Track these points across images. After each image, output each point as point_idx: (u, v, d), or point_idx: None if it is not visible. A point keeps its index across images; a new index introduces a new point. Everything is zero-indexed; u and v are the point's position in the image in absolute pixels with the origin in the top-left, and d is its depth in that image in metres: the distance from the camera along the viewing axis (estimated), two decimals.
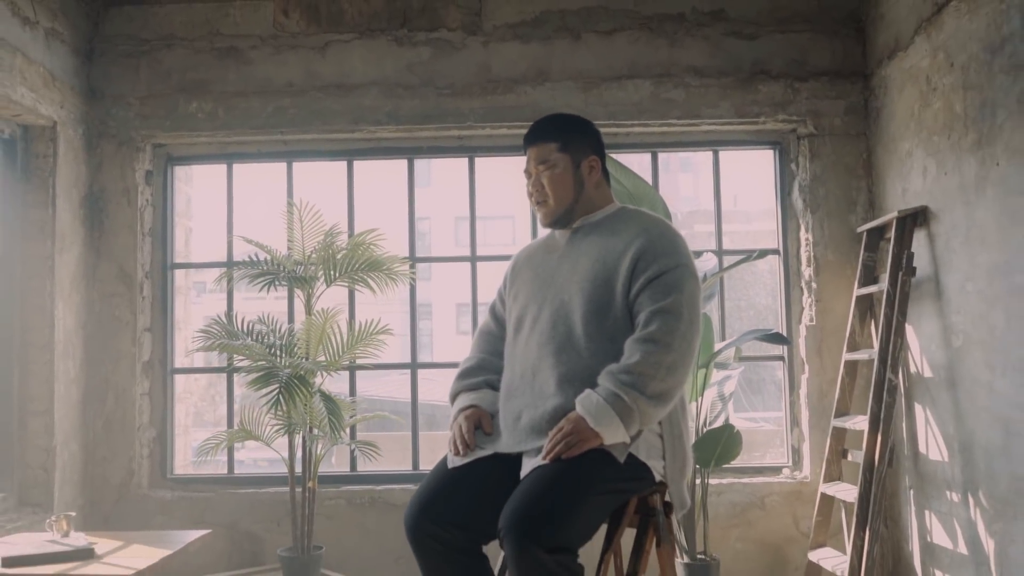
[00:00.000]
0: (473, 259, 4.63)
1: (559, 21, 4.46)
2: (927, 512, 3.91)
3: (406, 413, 4.60)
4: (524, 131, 4.42)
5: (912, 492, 4.04)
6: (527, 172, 2.45)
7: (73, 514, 3.37)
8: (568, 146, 2.39)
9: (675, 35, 4.45)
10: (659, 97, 4.42)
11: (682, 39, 4.45)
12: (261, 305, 4.76)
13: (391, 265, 3.93)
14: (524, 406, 2.26)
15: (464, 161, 4.65)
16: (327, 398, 3.55)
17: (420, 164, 4.72)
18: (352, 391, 4.39)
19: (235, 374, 4.40)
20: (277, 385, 3.41)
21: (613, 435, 2.11)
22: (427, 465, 4.63)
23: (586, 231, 2.39)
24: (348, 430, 3.92)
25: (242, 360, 3.72)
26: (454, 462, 2.28)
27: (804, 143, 4.46)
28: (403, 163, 4.67)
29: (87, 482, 4.27)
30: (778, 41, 4.44)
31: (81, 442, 4.24)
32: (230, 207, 4.61)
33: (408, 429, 4.58)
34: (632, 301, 2.22)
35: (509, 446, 2.24)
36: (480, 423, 2.33)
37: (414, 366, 4.58)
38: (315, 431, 3.72)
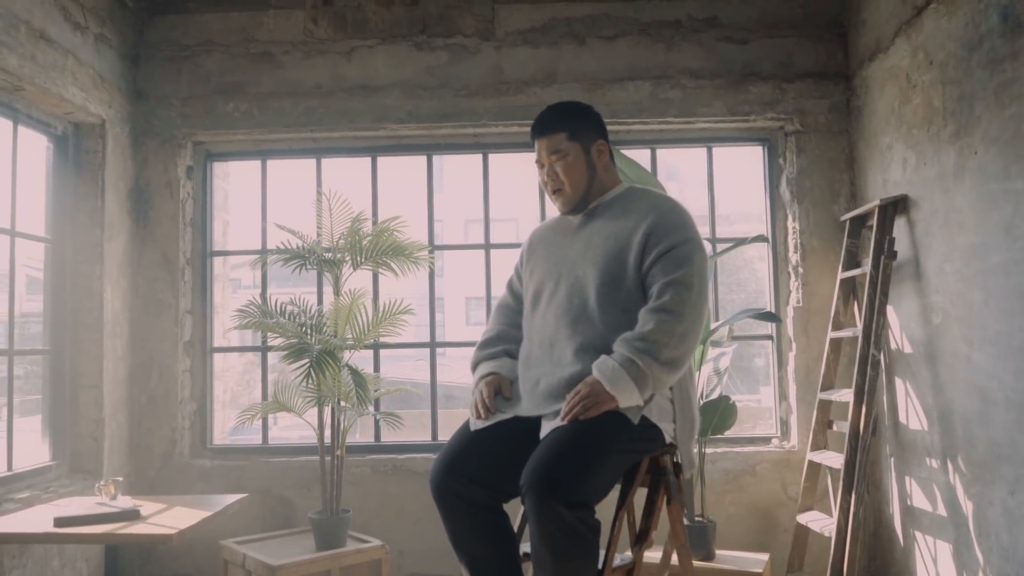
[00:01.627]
0: (487, 247, 4.54)
1: (565, 27, 4.36)
2: (907, 478, 3.82)
3: (425, 393, 4.51)
4: None
5: (893, 460, 3.94)
6: (539, 163, 2.34)
7: (120, 479, 3.29)
8: (576, 134, 2.28)
9: (672, 40, 4.35)
10: (657, 97, 4.32)
11: (679, 44, 4.35)
12: (292, 293, 4.67)
13: (413, 250, 3.83)
14: (543, 373, 2.17)
15: (476, 163, 4.55)
16: (355, 372, 3.45)
17: (434, 165, 4.62)
18: (376, 368, 4.30)
19: (269, 352, 4.32)
20: (308, 360, 3.31)
21: (628, 398, 2.01)
22: (445, 436, 4.55)
23: (598, 211, 2.30)
24: (373, 403, 3.82)
25: (276, 339, 3.62)
26: (476, 425, 2.19)
27: (791, 139, 4.35)
28: (422, 159, 4.56)
29: (133, 451, 4.18)
30: (767, 45, 4.34)
31: (128, 414, 4.15)
32: (264, 199, 4.52)
33: (427, 406, 4.48)
34: (644, 274, 2.13)
35: (528, 410, 2.15)
36: (500, 389, 2.24)
37: (433, 345, 4.49)
38: (343, 403, 3.62)
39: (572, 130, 2.27)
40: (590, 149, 2.29)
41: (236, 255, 4.79)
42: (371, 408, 3.62)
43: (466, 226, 23.00)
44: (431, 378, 4.48)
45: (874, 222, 3.80)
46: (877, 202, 3.77)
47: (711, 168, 4.56)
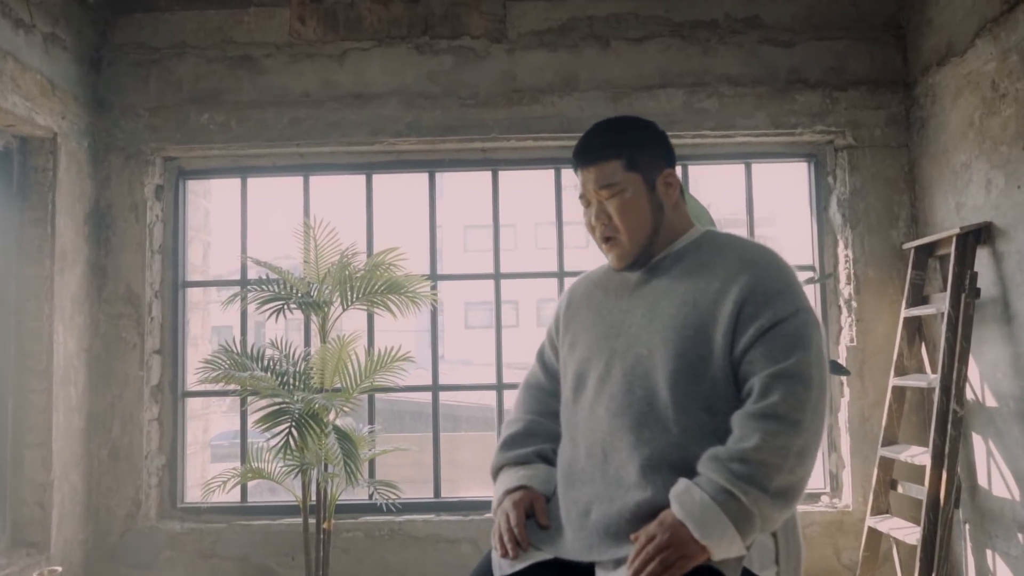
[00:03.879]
0: (497, 276, 3.87)
1: (587, 28, 3.69)
2: (989, 551, 3.15)
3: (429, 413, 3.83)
4: (551, 143, 3.75)
5: (968, 527, 3.27)
6: (584, 199, 1.65)
7: (59, 569, 2.60)
8: (637, 162, 1.58)
9: (708, 43, 3.68)
10: (692, 107, 3.65)
11: (715, 47, 3.68)
12: (280, 320, 4.00)
13: (412, 286, 3.16)
14: (594, 497, 1.49)
15: (478, 172, 3.88)
16: (343, 436, 2.79)
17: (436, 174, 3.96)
18: (371, 418, 3.62)
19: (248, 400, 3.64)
20: (287, 424, 2.64)
21: (726, 548, 1.35)
22: (449, 492, 3.88)
23: (666, 265, 1.61)
24: (367, 464, 3.15)
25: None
26: (502, 568, 1.51)
27: (843, 155, 3.69)
28: (423, 177, 3.90)
29: (91, 515, 3.51)
30: (815, 49, 3.68)
31: (83, 473, 3.48)
32: (244, 223, 3.85)
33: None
34: (738, 359, 1.45)
35: (577, 551, 1.47)
36: (533, 511, 1.56)
37: (435, 388, 3.81)
38: (330, 468, 2.95)
39: (631, 156, 1.58)
40: (655, 182, 1.61)
41: (212, 286, 4.11)
42: (363, 475, 2.94)
43: (465, 232, 22.26)
44: (433, 428, 3.80)
45: (951, 252, 3.14)
46: (956, 230, 3.11)
47: (750, 188, 3.89)
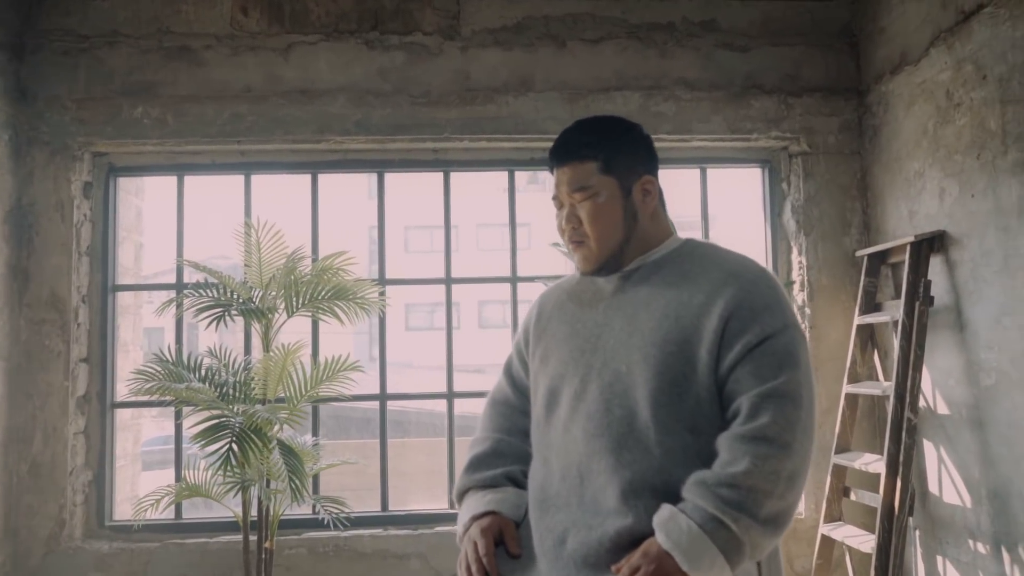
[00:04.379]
0: (448, 281, 3.75)
1: (543, 27, 3.60)
2: (940, 558, 3.17)
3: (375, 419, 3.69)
4: (505, 144, 3.64)
5: (918, 534, 3.28)
6: (556, 200, 1.54)
7: None
8: (613, 165, 1.49)
9: (665, 45, 3.63)
10: (649, 110, 3.59)
11: (672, 50, 3.63)
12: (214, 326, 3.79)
13: (360, 291, 3.02)
14: (570, 524, 1.39)
15: (428, 173, 3.75)
16: (287, 451, 2.62)
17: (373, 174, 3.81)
18: (315, 429, 3.44)
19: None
20: (227, 439, 2.46)
21: None
22: (397, 503, 3.73)
23: (643, 274, 1.51)
24: (311, 479, 2.99)
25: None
26: None
27: (797, 161, 3.68)
28: (372, 177, 3.75)
29: (8, 536, 3.25)
30: (771, 54, 3.66)
31: (1, 491, 3.21)
32: (180, 223, 3.63)
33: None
34: (724, 377, 1.37)
35: None
36: (503, 539, 1.45)
37: (383, 397, 3.66)
38: (272, 484, 2.78)
39: (608, 159, 1.48)
40: (632, 188, 1.50)
41: (145, 290, 3.87)
42: (308, 492, 2.77)
43: (405, 232, 21.94)
44: (380, 438, 3.65)
45: (905, 260, 3.14)
46: (911, 238, 3.12)
47: (705, 193, 3.85)
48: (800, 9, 3.70)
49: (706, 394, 1.36)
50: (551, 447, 1.47)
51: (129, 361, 3.77)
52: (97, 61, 3.49)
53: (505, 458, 1.57)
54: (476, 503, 1.51)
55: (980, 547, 2.92)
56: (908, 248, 3.14)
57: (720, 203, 4.06)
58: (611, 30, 3.63)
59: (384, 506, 3.63)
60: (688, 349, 1.38)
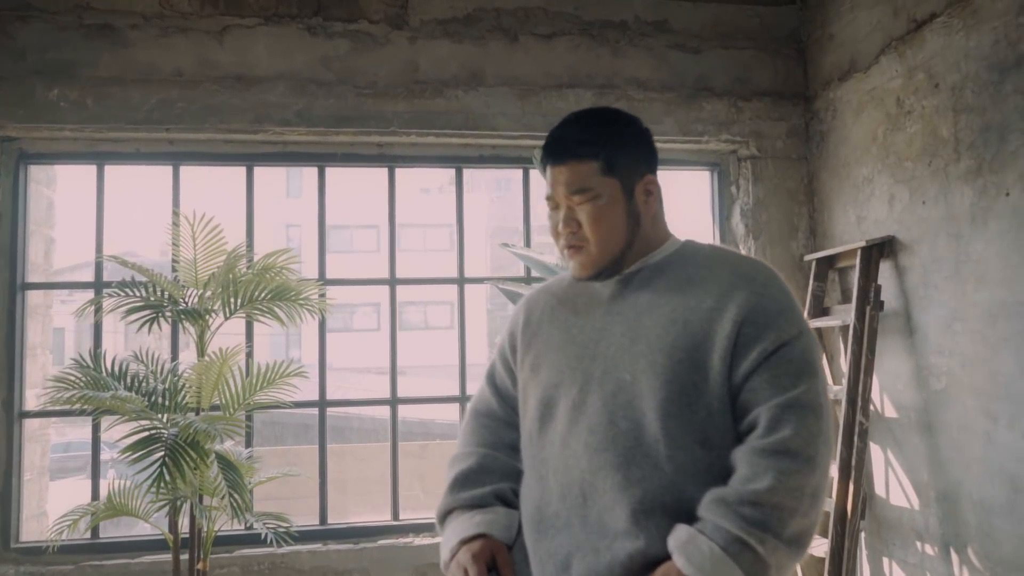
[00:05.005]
0: (392, 282, 3.58)
1: (494, 20, 3.49)
2: (885, 559, 3.20)
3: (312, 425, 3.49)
4: (454, 140, 3.49)
5: (864, 536, 3.32)
6: (550, 200, 1.41)
7: None
8: (615, 164, 1.36)
9: (617, 44, 3.57)
10: None
11: (625, 49, 3.58)
12: (130, 327, 3.51)
13: (304, 291, 2.83)
14: (574, 547, 1.27)
15: (370, 168, 3.59)
16: (227, 464, 2.42)
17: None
18: (248, 439, 3.22)
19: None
20: (160, 453, 2.25)
21: None
22: (337, 517, 3.55)
23: (643, 278, 1.40)
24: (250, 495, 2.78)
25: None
26: None
27: (746, 165, 3.68)
28: (312, 171, 3.54)
29: None
30: (722, 57, 3.65)
31: None
32: (100, 217, 3.35)
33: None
34: (739, 386, 1.27)
35: None
36: (496, 563, 1.32)
37: (323, 404, 3.47)
38: (206, 500, 2.56)
39: (609, 158, 1.36)
40: (634, 190, 1.39)
41: (59, 289, 3.56)
42: (248, 515, 2.56)
43: (328, 234, 21.38)
44: (319, 446, 3.45)
45: (856, 265, 3.17)
46: (862, 243, 3.15)
47: None
48: (750, 13, 3.70)
49: (718, 404, 1.27)
50: (547, 463, 1.36)
51: (38, 366, 3.45)
52: (7, 37, 3.18)
53: (493, 475, 1.44)
54: (464, 525, 1.37)
55: (928, 549, 2.96)
56: (859, 253, 3.16)
57: (669, 206, 3.98)
58: (564, 26, 3.54)
59: (323, 519, 3.43)
60: (698, 356, 1.28)
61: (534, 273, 3.62)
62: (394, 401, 3.55)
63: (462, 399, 3.63)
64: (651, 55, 3.60)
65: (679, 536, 1.20)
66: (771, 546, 1.16)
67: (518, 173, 3.68)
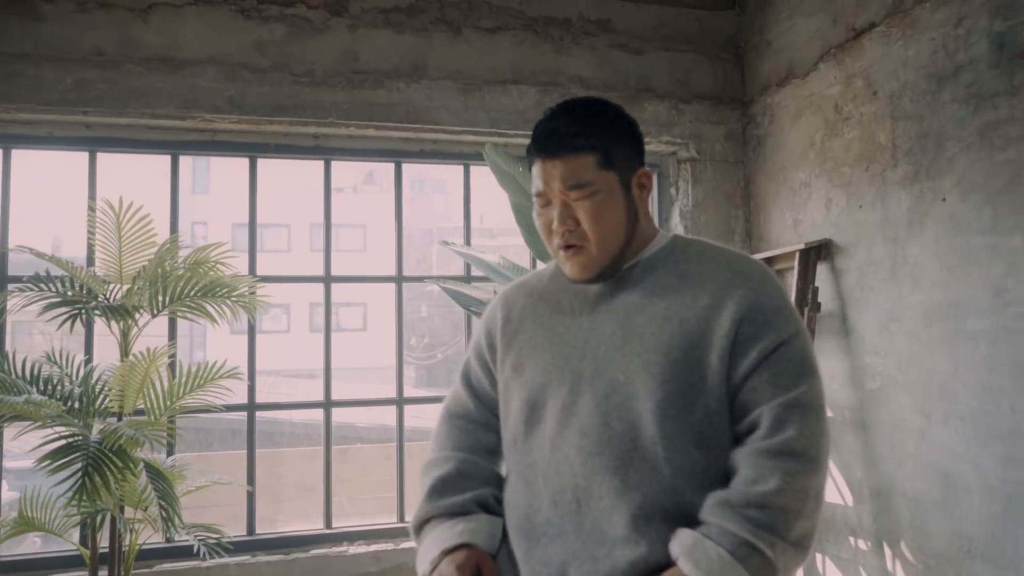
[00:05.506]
0: (327, 280, 3.44)
1: (437, 11, 3.40)
2: (819, 555, 3.28)
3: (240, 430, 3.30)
4: (394, 133, 3.38)
5: None
6: (541, 196, 1.33)
7: None
8: (613, 157, 1.30)
9: (561, 41, 3.54)
10: (544, 107, 3.42)
11: (568, 47, 3.55)
12: (33, 325, 3.24)
13: (237, 286, 2.67)
14: (570, 556, 1.21)
15: (305, 161, 3.44)
16: (156, 474, 2.24)
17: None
18: (170, 449, 3.01)
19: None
20: (81, 463, 2.06)
21: None
22: (265, 527, 3.39)
23: (634, 275, 1.35)
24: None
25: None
26: None
27: (686, 167, 3.72)
28: (243, 162, 3.36)
29: None
30: (664, 59, 3.67)
31: None
32: (5, 204, 3.07)
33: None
34: (738, 386, 1.24)
35: None
36: (481, 574, 1.24)
37: (252, 407, 3.29)
38: (130, 512, 2.38)
39: (607, 151, 1.29)
40: (631, 183, 1.35)
41: None
42: (181, 529, 2.38)
43: (234, 230, 20.70)
44: (248, 452, 3.28)
45: (794, 267, 3.23)
46: (801, 245, 3.21)
47: None
48: (691, 16, 3.74)
49: (716, 405, 1.24)
50: (535, 468, 1.29)
51: None
52: None
53: (472, 480, 1.36)
54: (445, 534, 1.29)
55: (862, 544, 3.04)
56: (797, 255, 3.23)
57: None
58: (508, 21, 3.48)
59: (251, 529, 3.26)
60: (696, 356, 1.24)
61: (475, 272, 3.55)
62: (328, 404, 3.41)
63: (400, 401, 3.52)
64: (594, 54, 3.59)
65: (684, 541, 1.15)
66: (780, 549, 1.14)
67: (435, 175, 3.61)
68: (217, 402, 2.73)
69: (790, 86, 3.44)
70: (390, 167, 3.57)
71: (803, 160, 3.36)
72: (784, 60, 3.48)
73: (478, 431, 1.43)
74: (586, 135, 1.29)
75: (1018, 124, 2.37)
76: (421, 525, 1.34)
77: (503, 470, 1.41)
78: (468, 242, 3.58)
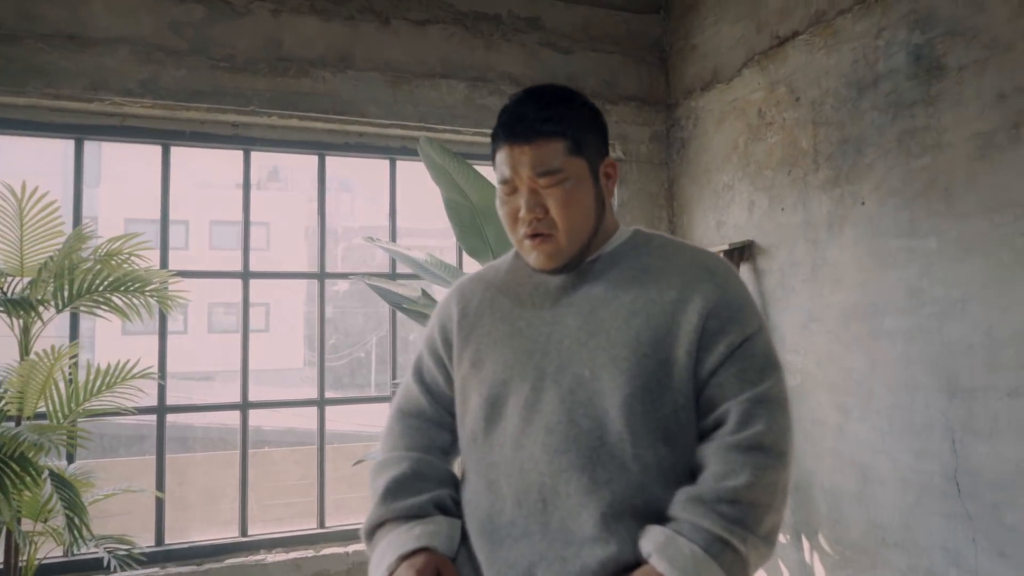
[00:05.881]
0: (246, 275, 3.29)
1: (365, 1, 3.30)
2: None
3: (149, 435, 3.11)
4: (318, 125, 3.27)
5: None
6: (507, 183, 1.29)
7: None
8: (583, 144, 1.28)
9: (491, 37, 3.51)
10: (474, 102, 3.44)
11: (498, 43, 3.52)
12: None
13: (152, 280, 2.51)
14: (537, 557, 1.17)
15: (225, 150, 3.28)
16: (62, 483, 2.07)
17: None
18: (70, 456, 2.80)
19: None
20: None
21: None
22: (175, 537, 3.21)
23: (596, 268, 1.33)
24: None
25: None
26: None
27: None
28: (156, 149, 3.17)
29: None
30: (591, 59, 3.70)
31: None
32: None
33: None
34: (704, 381, 1.23)
35: None
36: None
37: (162, 410, 3.11)
38: (29, 523, 2.19)
39: (577, 138, 1.27)
40: (599, 172, 1.32)
41: None
42: (89, 541, 2.21)
43: (127, 227, 19.69)
44: (158, 458, 3.09)
45: None
46: (725, 246, 3.29)
47: None
48: (618, 19, 3.77)
49: (683, 400, 1.22)
50: (497, 467, 1.25)
51: None
52: None
53: (429, 481, 1.31)
54: (402, 539, 1.23)
55: (780, 537, 3.13)
56: (721, 256, 3.30)
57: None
58: (438, 14, 3.42)
59: (159, 539, 3.07)
60: (663, 351, 1.23)
61: (400, 268, 3.47)
62: (245, 406, 3.26)
63: (321, 402, 3.40)
64: (524, 51, 3.57)
65: (656, 539, 1.13)
66: (751, 543, 1.13)
67: (340, 174, 3.52)
68: (128, 404, 2.56)
69: (714, 91, 3.52)
70: (296, 164, 3.46)
71: (726, 163, 3.44)
72: (709, 65, 3.56)
73: (432, 430, 1.37)
74: (556, 120, 1.26)
75: (934, 132, 2.49)
76: (374, 529, 1.28)
77: (458, 470, 1.36)
78: (394, 239, 3.50)
